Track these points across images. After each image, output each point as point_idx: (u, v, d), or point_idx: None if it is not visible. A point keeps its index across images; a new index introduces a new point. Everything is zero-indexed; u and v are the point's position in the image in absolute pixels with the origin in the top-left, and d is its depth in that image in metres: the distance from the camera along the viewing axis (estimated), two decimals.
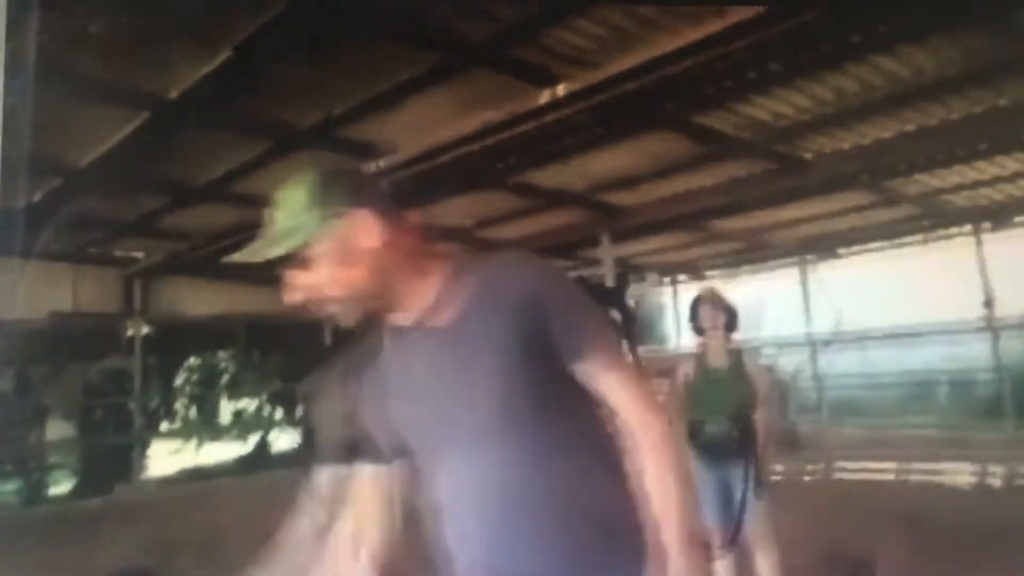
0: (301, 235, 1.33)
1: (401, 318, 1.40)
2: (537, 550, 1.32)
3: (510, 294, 1.33)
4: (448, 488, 1.37)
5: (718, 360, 3.82)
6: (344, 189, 1.36)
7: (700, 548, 1.34)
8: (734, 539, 3.58)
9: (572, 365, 1.35)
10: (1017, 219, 9.37)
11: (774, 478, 4.31)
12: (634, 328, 4.33)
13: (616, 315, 4.19)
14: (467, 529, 1.35)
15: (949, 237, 9.99)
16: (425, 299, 1.37)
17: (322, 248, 1.33)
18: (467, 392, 1.33)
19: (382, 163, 5.65)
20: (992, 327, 9.45)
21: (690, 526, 1.33)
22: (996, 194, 8.27)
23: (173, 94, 4.55)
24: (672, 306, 13.25)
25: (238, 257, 1.42)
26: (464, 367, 1.34)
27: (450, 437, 1.35)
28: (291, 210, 1.35)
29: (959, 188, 7.95)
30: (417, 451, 1.41)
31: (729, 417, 3.67)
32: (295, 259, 1.34)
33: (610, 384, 1.37)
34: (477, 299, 1.34)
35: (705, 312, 3.85)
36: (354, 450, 1.51)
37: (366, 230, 1.34)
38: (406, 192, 5.84)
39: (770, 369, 6.29)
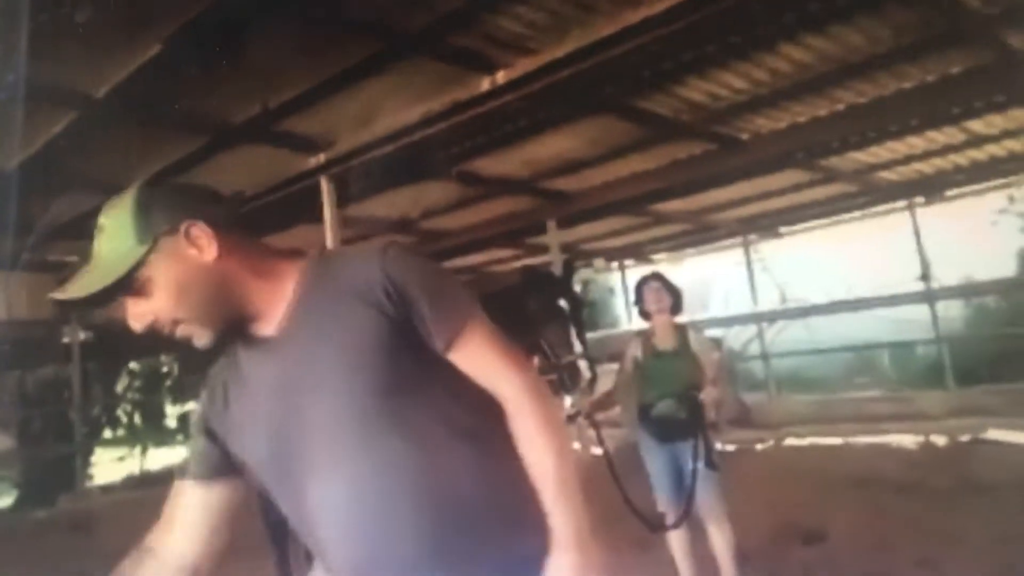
0: (127, 261, 1.24)
1: (260, 328, 1.33)
2: (411, 549, 1.25)
3: (365, 285, 1.28)
4: (317, 497, 1.28)
5: (665, 342, 3.90)
6: (167, 206, 1.27)
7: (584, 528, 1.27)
8: (686, 515, 3.66)
9: (435, 348, 1.30)
10: (949, 192, 9.69)
11: (727, 450, 4.41)
12: (581, 314, 4.37)
13: (563, 302, 4.23)
14: (340, 535, 1.28)
15: (885, 212, 10.28)
16: (278, 306, 1.32)
17: (153, 271, 1.25)
18: (327, 396, 1.27)
19: (322, 157, 5.58)
20: (929, 296, 9.77)
21: (568, 484, 1.28)
22: (927, 168, 8.51)
23: (101, 92, 4.41)
24: (620, 290, 13.39)
25: (59, 295, 1.31)
26: (322, 370, 1.28)
27: (314, 443, 1.27)
28: (113, 236, 1.25)
29: (892, 163, 8.16)
30: (275, 462, 1.32)
31: (677, 396, 3.75)
32: (129, 287, 1.25)
33: (472, 357, 1.33)
34: (330, 299, 1.30)
35: (650, 295, 3.92)
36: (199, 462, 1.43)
37: (196, 245, 1.26)
38: (349, 185, 5.80)
39: (717, 346, 6.42)
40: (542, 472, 1.30)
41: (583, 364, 4.04)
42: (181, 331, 1.29)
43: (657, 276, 4.06)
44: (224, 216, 1.31)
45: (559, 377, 4.08)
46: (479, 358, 1.34)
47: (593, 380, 4.09)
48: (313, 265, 1.36)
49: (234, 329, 1.33)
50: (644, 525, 3.68)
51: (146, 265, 1.24)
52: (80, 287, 1.26)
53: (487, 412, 1.34)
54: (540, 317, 4.14)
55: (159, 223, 1.25)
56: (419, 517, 1.25)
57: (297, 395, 1.29)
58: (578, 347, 4.08)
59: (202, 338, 1.29)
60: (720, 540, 3.68)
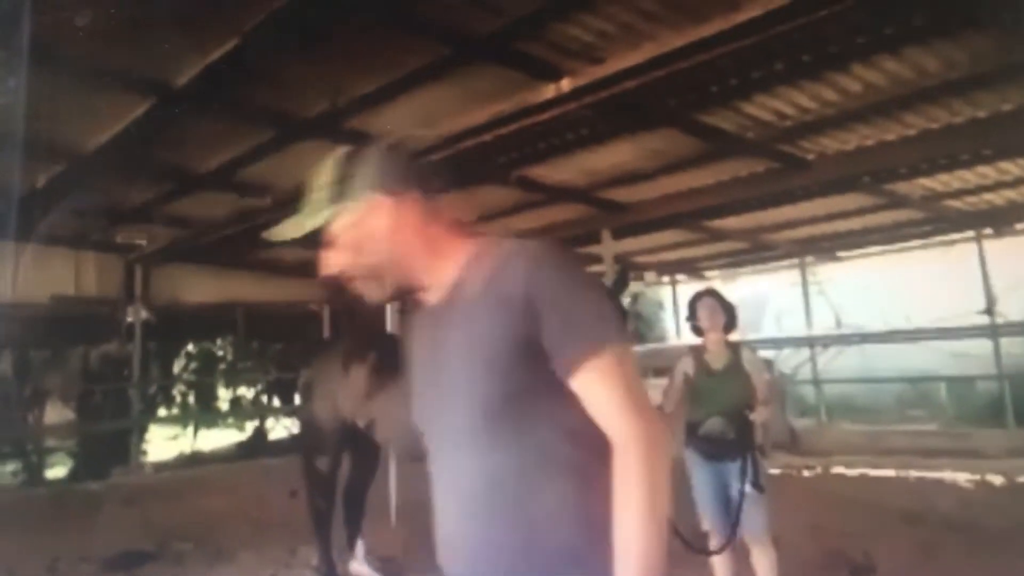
0: (322, 216, 1.36)
1: (427, 298, 1.41)
2: (491, 556, 1.27)
3: (506, 288, 1.28)
4: (438, 478, 1.35)
5: (717, 360, 3.85)
6: (363, 173, 1.37)
7: None
8: (731, 538, 3.60)
9: (556, 367, 1.25)
10: (1019, 225, 9.40)
11: (772, 473, 4.34)
12: (625, 322, 4.35)
13: None
14: (445, 519, 1.34)
15: (950, 242, 10.01)
16: (444, 282, 1.37)
17: (341, 229, 1.37)
18: (458, 382, 1.30)
19: None
20: (993, 331, 9.47)
21: (644, 558, 1.17)
22: (998, 199, 8.28)
23: (179, 82, 4.57)
24: (671, 305, 13.26)
25: (272, 234, 1.45)
26: (458, 356, 1.31)
27: (444, 424, 1.34)
28: (317, 190, 1.38)
29: (961, 192, 7.95)
30: (425, 435, 1.40)
31: (727, 416, 3.69)
32: (323, 239, 1.38)
33: (588, 388, 1.25)
34: (481, 289, 1.32)
35: (703, 312, 3.87)
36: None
37: (379, 215, 1.36)
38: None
39: (769, 367, 6.31)
40: (625, 536, 1.19)
41: None
42: (360, 285, 1.40)
43: (712, 293, 4.01)
44: (416, 189, 1.39)
45: None
46: (597, 393, 1.26)
47: None
48: (477, 252, 1.38)
49: (403, 292, 1.42)
50: (686, 548, 3.63)
51: (336, 223, 1.37)
52: (281, 231, 1.41)
53: (595, 447, 1.25)
54: None
55: (353, 189, 1.37)
56: (491, 534, 1.27)
57: (437, 375, 1.35)
58: None
59: (374, 295, 1.39)
60: (764, 564, 3.61)
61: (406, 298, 1.45)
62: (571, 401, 1.26)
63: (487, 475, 1.28)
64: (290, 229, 1.39)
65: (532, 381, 1.27)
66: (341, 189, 1.36)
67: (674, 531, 3.70)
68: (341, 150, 1.40)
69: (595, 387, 1.25)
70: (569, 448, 1.27)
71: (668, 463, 1.25)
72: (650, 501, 1.20)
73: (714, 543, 3.67)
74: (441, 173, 1.47)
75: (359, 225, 1.36)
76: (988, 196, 8.15)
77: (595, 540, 1.21)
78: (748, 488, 3.57)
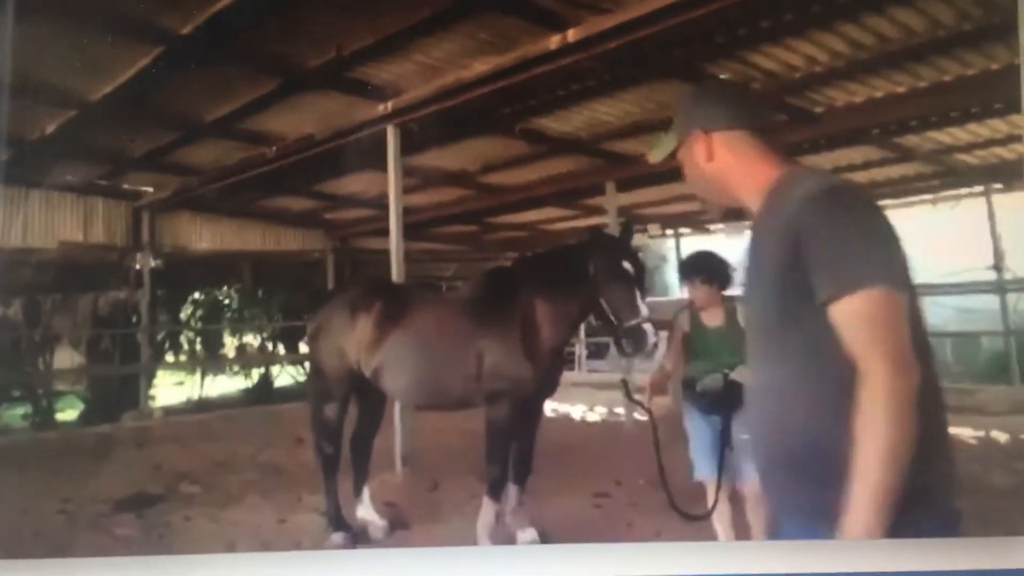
0: (665, 146, 1.70)
1: (752, 219, 1.61)
2: (761, 442, 1.53)
3: (781, 219, 1.42)
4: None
5: (712, 317, 3.89)
6: (691, 110, 1.66)
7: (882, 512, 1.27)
8: (731, 489, 3.69)
9: (818, 301, 1.33)
10: None
11: None
12: (644, 278, 4.38)
13: (627, 264, 4.24)
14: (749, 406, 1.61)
15: (959, 197, 9.93)
16: (755, 207, 1.56)
17: (679, 161, 1.68)
18: (755, 296, 1.53)
19: (390, 105, 5.65)
20: (1000, 287, 9.46)
21: (877, 491, 1.26)
22: (1008, 154, 8.20)
23: (186, 29, 4.55)
24: (674, 258, 13.26)
25: (646, 156, 1.79)
26: (755, 273, 1.53)
27: (750, 332, 1.58)
28: (672, 122, 1.69)
29: (971, 146, 7.88)
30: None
31: (724, 370, 3.75)
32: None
33: (840, 328, 1.32)
34: (767, 216, 1.50)
35: (694, 275, 3.89)
36: None
37: (699, 148, 1.61)
38: (413, 135, 5.87)
39: None
40: (864, 467, 1.28)
41: (648, 328, 4.07)
42: (700, 204, 1.73)
43: (698, 267, 3.97)
44: (735, 122, 1.61)
45: (619, 340, 4.11)
46: (856, 327, 1.32)
47: (655, 346, 4.12)
48: (778, 180, 1.54)
49: (730, 212, 1.68)
50: (675, 511, 3.67)
51: (676, 155, 1.69)
52: (649, 156, 1.76)
53: (842, 373, 1.32)
54: (603, 277, 4.16)
55: (682, 125, 1.65)
56: (766, 440, 1.51)
57: (750, 289, 1.58)
58: (644, 311, 4.10)
59: (709, 214, 1.68)
60: (760, 513, 3.70)
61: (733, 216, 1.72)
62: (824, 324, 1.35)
63: (762, 381, 1.52)
64: (652, 155, 1.72)
65: (798, 306, 1.38)
66: (676, 123, 1.66)
67: (666, 490, 3.78)
68: (687, 88, 1.65)
69: (845, 328, 1.33)
70: (830, 369, 1.35)
71: (910, 415, 1.30)
72: (891, 440, 1.28)
73: (709, 494, 3.75)
74: (762, 110, 1.67)
75: (685, 156, 1.65)
76: (998, 150, 8.07)
77: (835, 443, 1.31)
78: (746, 437, 3.64)
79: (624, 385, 4.19)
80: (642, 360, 4.38)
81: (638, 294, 4.15)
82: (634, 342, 4.09)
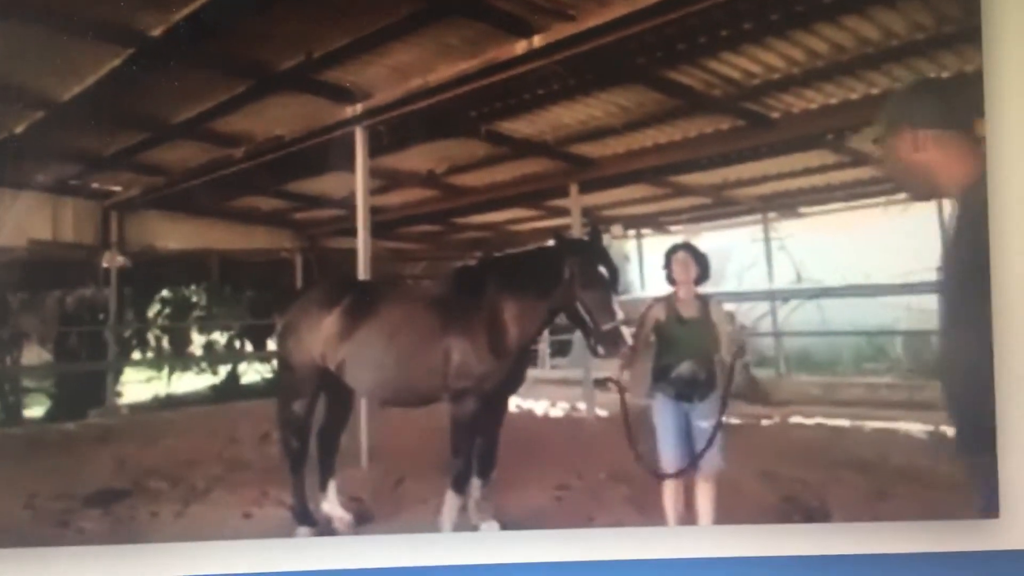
0: (874, 135, 1.80)
1: None
2: None
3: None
4: None
5: (687, 309, 4.12)
6: (904, 105, 1.80)
7: None
8: (692, 468, 3.90)
9: None
10: None
11: (732, 423, 4.61)
12: (617, 282, 4.56)
13: (603, 269, 4.39)
14: None
15: (910, 201, 10.22)
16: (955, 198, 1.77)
17: (879, 144, 1.80)
18: None
19: (359, 108, 5.73)
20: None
21: None
22: None
23: (157, 32, 4.60)
24: (636, 258, 13.44)
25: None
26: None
27: None
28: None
29: None
30: None
31: (697, 360, 3.97)
32: None
33: None
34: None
35: (677, 266, 4.14)
36: None
37: (905, 142, 1.78)
38: (381, 137, 5.95)
39: (731, 320, 6.57)
40: None
41: (625, 331, 4.23)
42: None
43: (687, 247, 4.26)
44: (949, 124, 1.80)
45: (595, 343, 4.25)
46: None
47: (630, 348, 4.28)
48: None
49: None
50: (650, 473, 3.82)
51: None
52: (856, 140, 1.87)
53: None
54: (580, 281, 4.29)
55: (893, 117, 1.74)
56: None
57: None
58: (620, 314, 4.26)
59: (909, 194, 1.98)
60: (709, 496, 3.91)
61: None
62: None
63: None
64: (857, 140, 1.81)
65: None
66: (885, 114, 1.77)
67: (638, 458, 3.96)
68: (903, 85, 1.88)
69: None
70: None
71: None
72: None
73: (670, 469, 3.94)
74: (967, 113, 1.86)
75: (890, 144, 1.77)
76: None
77: None
78: (705, 425, 3.85)
79: (618, 384, 4.34)
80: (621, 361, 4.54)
81: (613, 298, 4.30)
82: (611, 344, 4.24)
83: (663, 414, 4.12)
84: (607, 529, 4.27)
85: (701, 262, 4.20)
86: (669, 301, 4.20)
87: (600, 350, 4.32)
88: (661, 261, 4.37)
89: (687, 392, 4.04)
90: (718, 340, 4.11)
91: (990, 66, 4.74)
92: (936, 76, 4.38)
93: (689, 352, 4.10)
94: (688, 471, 4.01)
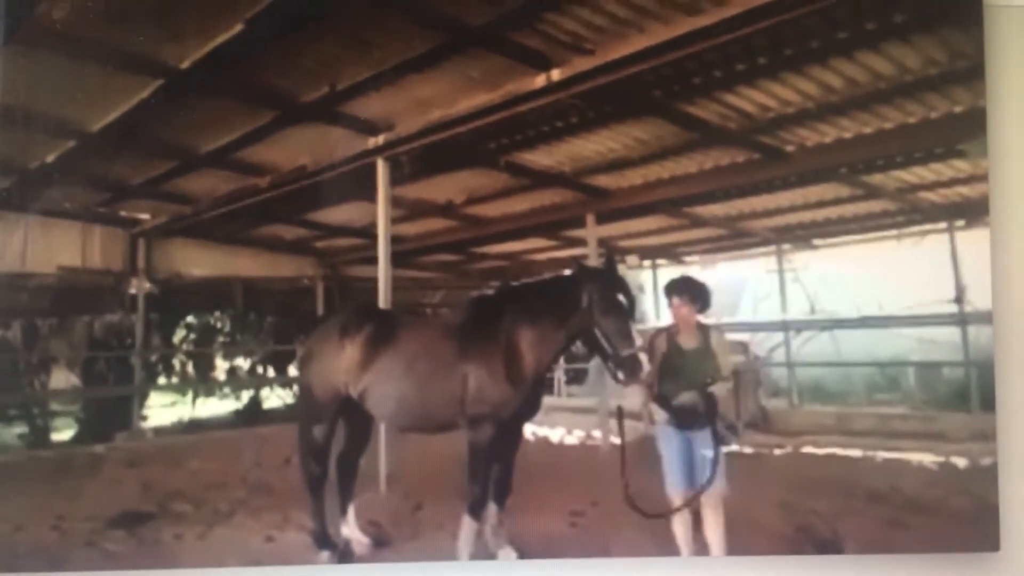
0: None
1: None
2: None
3: None
4: None
5: (688, 340, 4.18)
6: None
7: None
8: (697, 495, 3.94)
9: None
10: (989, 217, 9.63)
11: (744, 452, 4.66)
12: (635, 309, 4.62)
13: (621, 297, 4.45)
14: None
15: (923, 233, 10.23)
16: None
17: None
18: None
19: (381, 139, 5.87)
20: (961, 319, 9.73)
21: None
22: (971, 192, 8.52)
23: (185, 64, 4.75)
24: (651, 288, 13.46)
25: None
26: None
27: None
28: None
29: (935, 185, 8.20)
30: None
31: (698, 389, 4.02)
32: None
33: None
34: None
35: (677, 297, 4.20)
36: None
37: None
38: (402, 167, 6.08)
39: (744, 350, 6.63)
40: None
41: (643, 357, 4.27)
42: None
43: (683, 282, 4.31)
44: None
45: (615, 370, 4.29)
46: None
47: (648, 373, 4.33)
48: None
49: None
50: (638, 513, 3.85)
51: None
52: None
53: None
54: (599, 308, 4.35)
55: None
56: None
57: None
58: (638, 340, 4.31)
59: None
60: (716, 524, 3.94)
61: None
62: None
63: None
64: None
65: None
66: None
67: (631, 505, 4.00)
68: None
69: None
70: None
71: None
72: None
73: (676, 502, 3.98)
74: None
75: None
76: (961, 189, 8.39)
77: None
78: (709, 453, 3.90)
79: (619, 411, 4.38)
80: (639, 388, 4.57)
81: (632, 325, 4.36)
82: (630, 371, 4.28)
83: (667, 443, 4.16)
84: (622, 560, 4.29)
85: (700, 294, 4.25)
86: (670, 332, 4.26)
87: (620, 375, 4.34)
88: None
89: (688, 422, 4.08)
90: (719, 369, 4.16)
91: (993, 98, 4.83)
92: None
93: (689, 382, 4.14)
94: (688, 505, 4.02)
